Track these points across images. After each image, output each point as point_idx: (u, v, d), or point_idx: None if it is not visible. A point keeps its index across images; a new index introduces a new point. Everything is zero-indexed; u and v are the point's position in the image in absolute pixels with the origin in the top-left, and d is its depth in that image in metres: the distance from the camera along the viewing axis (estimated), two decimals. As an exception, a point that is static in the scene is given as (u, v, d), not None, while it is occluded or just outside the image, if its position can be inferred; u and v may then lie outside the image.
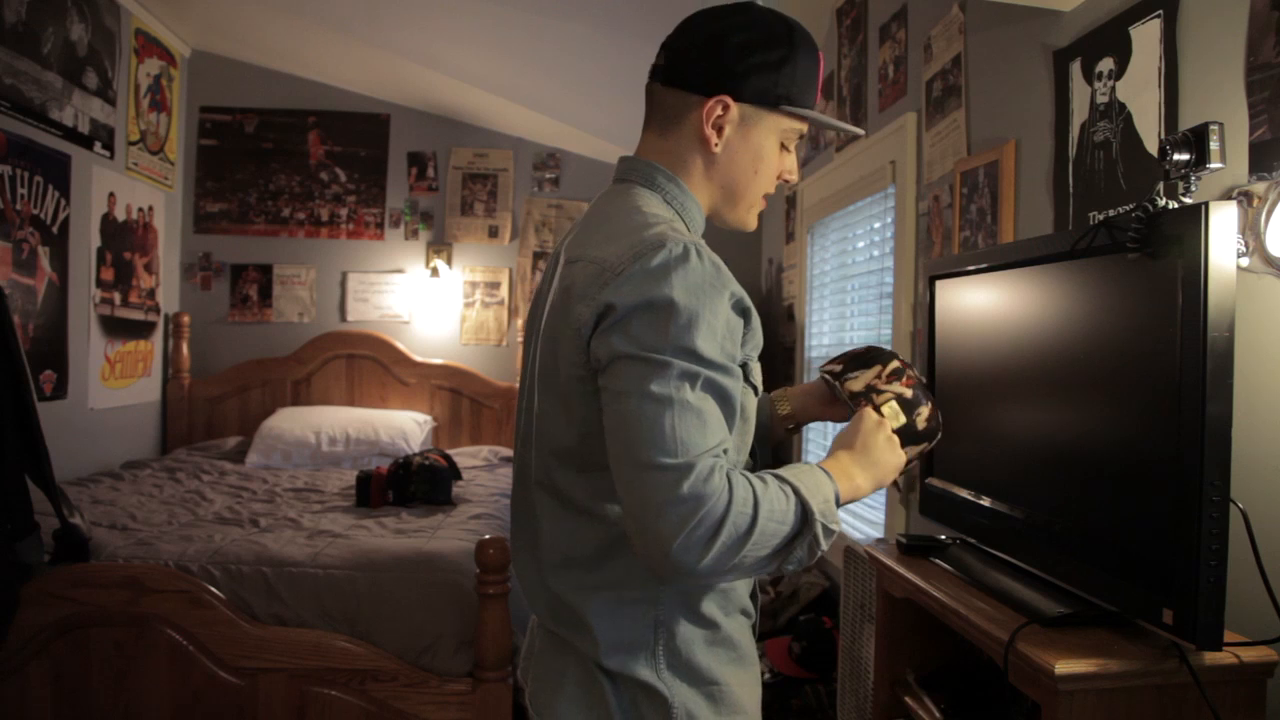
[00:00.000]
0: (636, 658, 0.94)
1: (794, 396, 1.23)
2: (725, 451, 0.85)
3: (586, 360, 0.91)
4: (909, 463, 1.08)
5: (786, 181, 1.07)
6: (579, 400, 0.93)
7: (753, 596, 1.05)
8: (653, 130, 1.05)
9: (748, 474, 0.87)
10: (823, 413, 1.21)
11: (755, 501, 0.83)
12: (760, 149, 1.02)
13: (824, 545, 0.89)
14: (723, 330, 0.88)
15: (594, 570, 0.96)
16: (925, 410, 1.09)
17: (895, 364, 1.12)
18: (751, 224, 1.09)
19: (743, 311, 0.92)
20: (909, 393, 1.09)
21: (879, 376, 1.10)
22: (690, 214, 1.03)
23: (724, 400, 0.87)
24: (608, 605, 0.95)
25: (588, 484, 0.95)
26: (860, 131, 1.08)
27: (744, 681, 0.99)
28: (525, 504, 1.04)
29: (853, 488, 0.97)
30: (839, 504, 0.93)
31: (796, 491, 0.88)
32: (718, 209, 1.06)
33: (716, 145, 1.00)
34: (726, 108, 0.99)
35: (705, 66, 0.99)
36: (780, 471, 0.91)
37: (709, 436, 0.83)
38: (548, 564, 0.99)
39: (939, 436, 1.11)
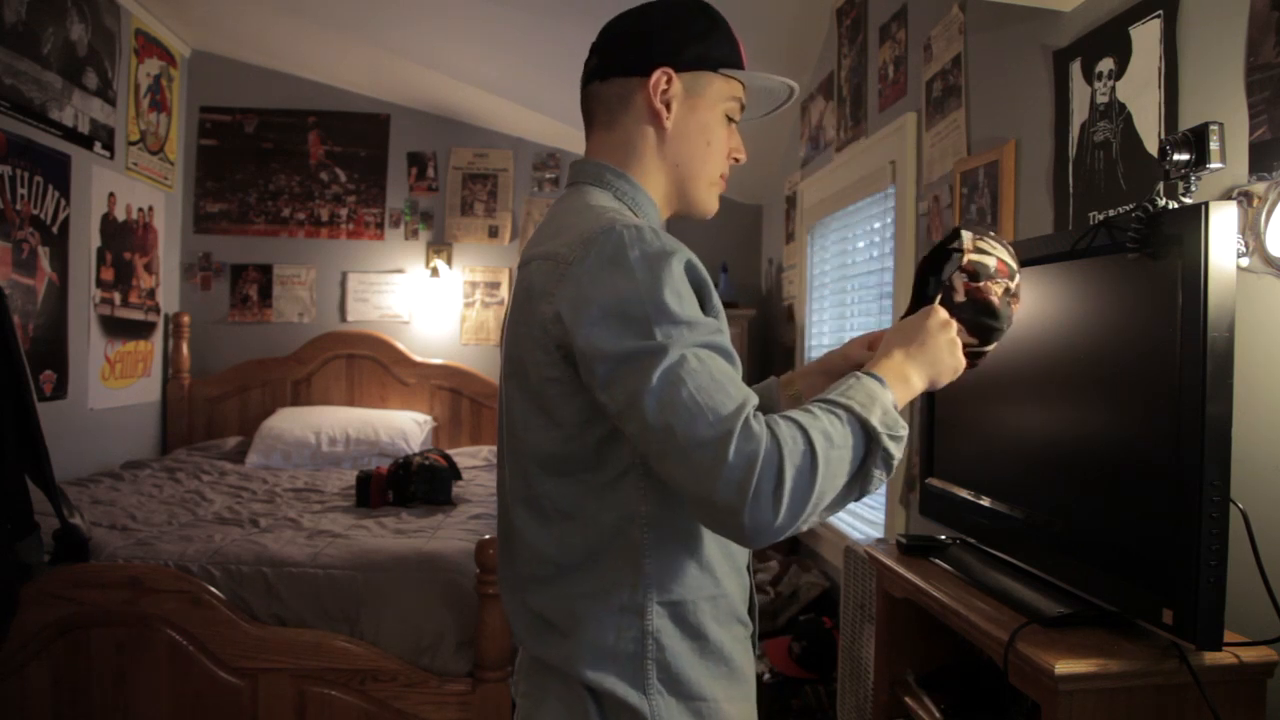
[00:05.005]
0: (622, 669, 0.91)
1: (803, 378, 1.18)
2: (753, 404, 0.82)
3: (558, 360, 0.89)
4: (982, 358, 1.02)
5: (736, 160, 1.07)
6: (556, 401, 0.91)
7: (750, 606, 1.02)
8: (599, 128, 1.05)
9: (790, 414, 0.83)
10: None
11: (806, 435, 0.80)
12: (707, 122, 1.03)
13: (897, 455, 0.85)
14: (688, 294, 0.86)
15: (584, 575, 0.93)
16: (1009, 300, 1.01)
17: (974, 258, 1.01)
18: (713, 205, 1.07)
19: (698, 281, 0.89)
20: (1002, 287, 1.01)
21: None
22: (643, 208, 1.02)
23: (726, 356, 0.85)
24: (597, 612, 0.92)
25: (573, 487, 0.93)
26: (793, 85, 1.08)
27: (734, 698, 0.96)
28: (506, 524, 1.02)
29: (908, 389, 0.93)
30: (897, 408, 0.89)
31: (850, 410, 0.84)
32: (678, 192, 1.05)
33: (668, 120, 1.01)
34: (670, 79, 1.00)
35: (639, 49, 1.01)
36: (828, 394, 0.87)
37: (732, 394, 0.80)
38: (531, 580, 0.97)
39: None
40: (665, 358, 0.81)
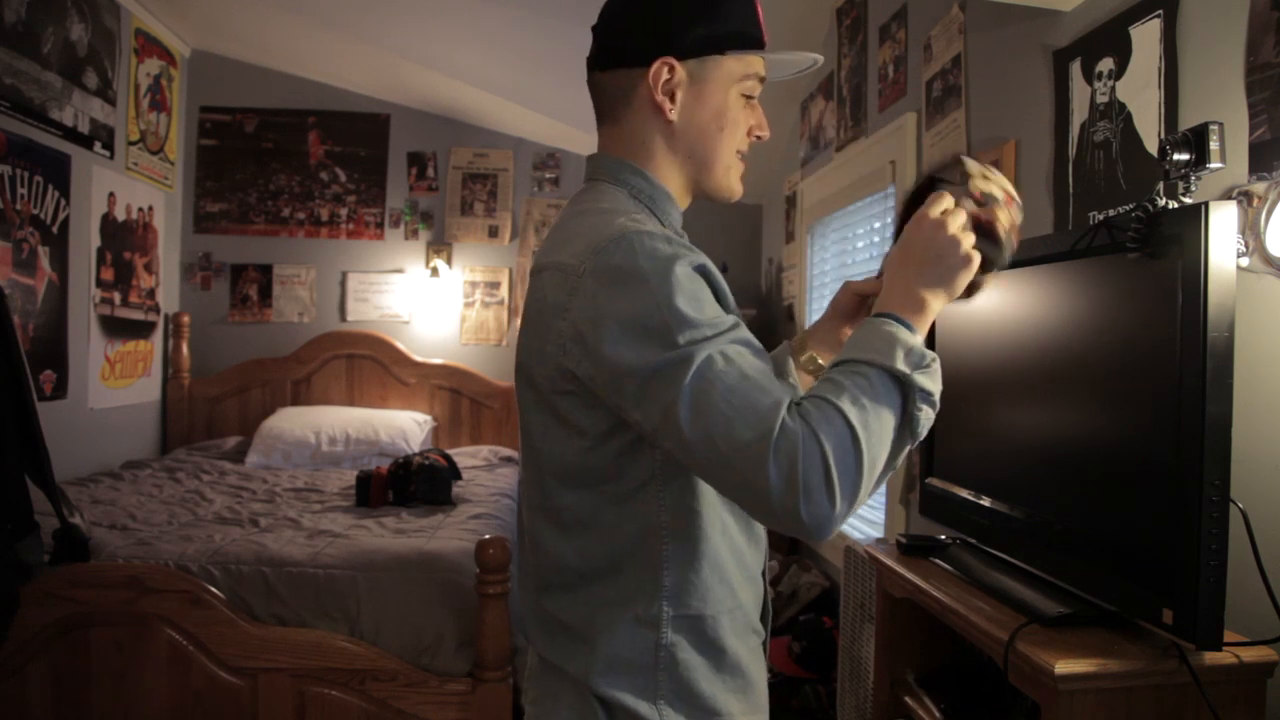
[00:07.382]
0: (634, 682, 0.90)
1: (815, 334, 1.11)
2: (789, 398, 0.78)
3: (571, 374, 0.87)
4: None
5: (759, 138, 1.00)
6: (577, 412, 0.89)
7: (764, 612, 1.00)
8: (606, 120, 1.00)
9: (817, 391, 0.80)
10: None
11: (838, 411, 0.77)
12: (719, 105, 0.96)
13: (935, 388, 0.82)
14: (705, 295, 0.84)
15: (604, 584, 0.91)
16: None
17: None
18: (735, 189, 1.01)
19: (711, 283, 0.87)
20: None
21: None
22: (661, 207, 0.98)
23: (752, 348, 0.83)
24: (613, 621, 0.90)
25: (592, 499, 0.91)
26: (818, 58, 1.00)
27: (749, 710, 0.95)
28: (525, 530, 1.01)
29: (925, 313, 0.86)
30: (920, 339, 0.84)
31: (870, 364, 0.80)
32: (695, 181, 1.00)
33: (672, 111, 0.95)
34: (672, 69, 0.93)
35: (638, 36, 0.95)
36: (844, 355, 0.83)
37: (766, 388, 0.78)
38: (551, 586, 0.95)
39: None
40: (692, 364, 0.79)
